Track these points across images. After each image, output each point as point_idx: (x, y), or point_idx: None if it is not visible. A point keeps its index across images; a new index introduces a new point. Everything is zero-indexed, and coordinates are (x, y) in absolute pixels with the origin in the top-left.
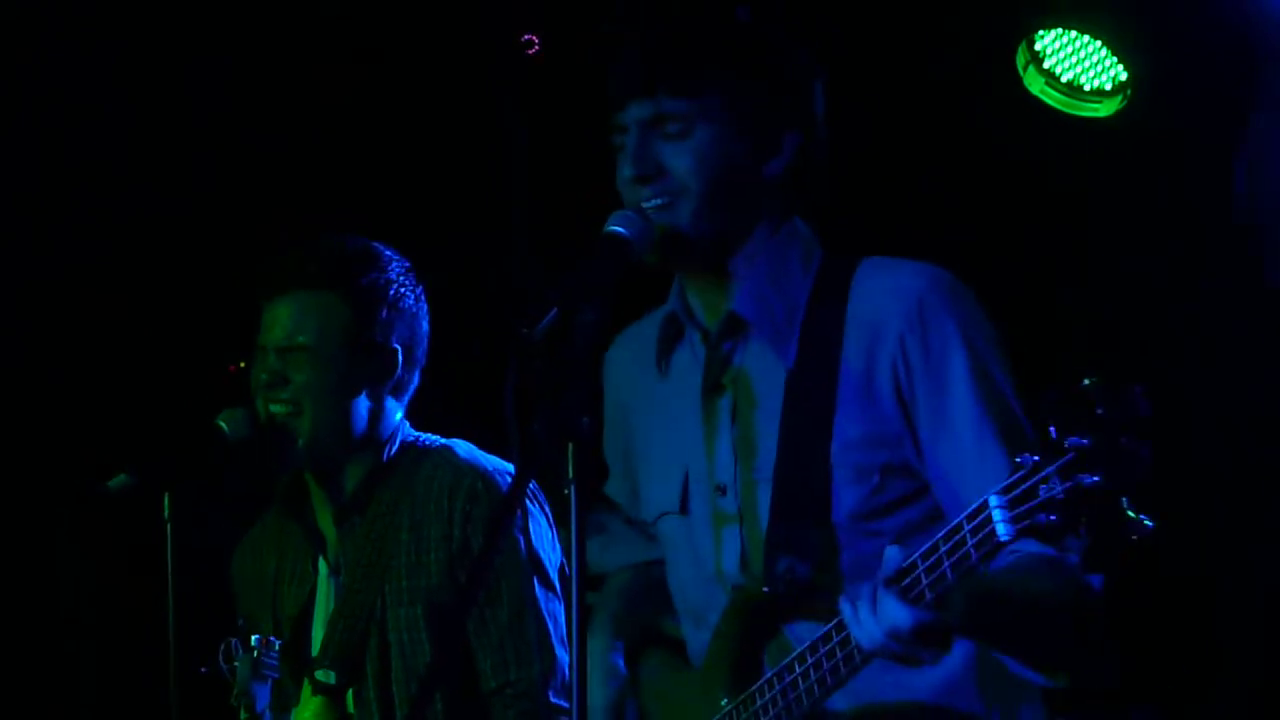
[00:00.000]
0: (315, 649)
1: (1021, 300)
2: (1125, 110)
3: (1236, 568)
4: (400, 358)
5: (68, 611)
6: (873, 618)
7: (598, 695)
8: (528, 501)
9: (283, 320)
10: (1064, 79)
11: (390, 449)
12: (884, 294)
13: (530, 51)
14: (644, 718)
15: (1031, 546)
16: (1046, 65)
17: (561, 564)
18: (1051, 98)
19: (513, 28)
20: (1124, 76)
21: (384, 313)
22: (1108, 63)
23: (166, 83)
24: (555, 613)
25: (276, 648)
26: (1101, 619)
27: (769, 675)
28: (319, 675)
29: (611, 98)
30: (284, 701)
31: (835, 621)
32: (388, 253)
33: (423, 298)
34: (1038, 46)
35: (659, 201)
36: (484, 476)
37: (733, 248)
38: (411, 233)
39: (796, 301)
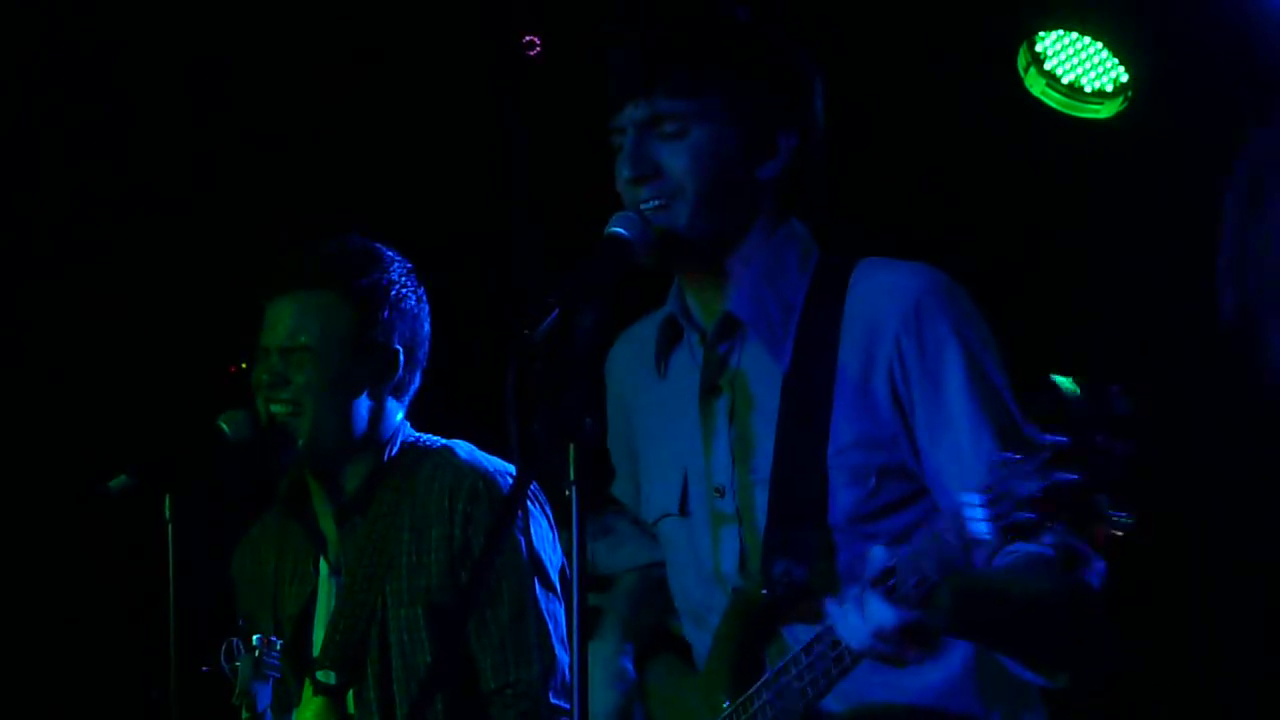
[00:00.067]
0: (316, 649)
1: (1021, 300)
2: (1126, 112)
3: (1236, 568)
4: (401, 358)
5: (68, 611)
6: (859, 618)
7: (606, 698)
8: (529, 502)
9: (284, 320)
10: (1065, 80)
11: (391, 449)
12: (880, 295)
13: (531, 53)
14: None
15: (1029, 547)
16: (1047, 67)
17: (562, 565)
18: (1052, 99)
19: (513, 28)
20: (1125, 78)
21: (385, 313)
22: (1109, 64)
23: (166, 83)
24: (556, 613)
25: (278, 647)
26: (1100, 619)
27: (766, 677)
28: (320, 675)
29: (609, 99)
30: (285, 701)
31: (826, 623)
32: (389, 253)
33: (424, 299)
34: (1039, 48)
35: (656, 203)
36: (485, 477)
37: (729, 248)
38: (411, 233)
39: (792, 302)
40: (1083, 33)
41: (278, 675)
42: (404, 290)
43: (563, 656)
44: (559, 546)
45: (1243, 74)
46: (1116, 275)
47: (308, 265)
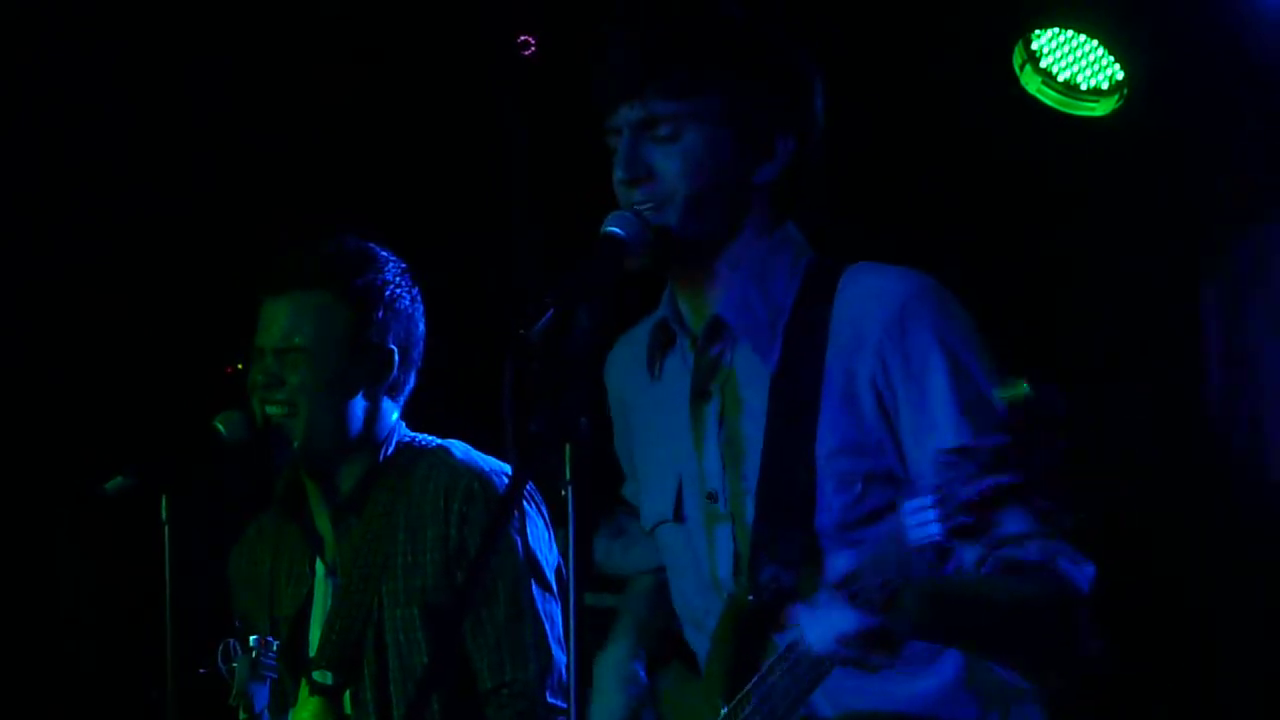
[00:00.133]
0: (313, 650)
1: (1015, 298)
2: (1122, 109)
3: (1237, 567)
4: (396, 358)
5: (67, 611)
6: (822, 623)
7: (616, 702)
8: (525, 502)
9: (279, 321)
10: (1060, 78)
11: (386, 449)
12: (865, 300)
13: (526, 52)
14: None
15: (1015, 551)
16: (1043, 64)
17: (558, 565)
18: (1048, 97)
19: (512, 28)
20: (1120, 75)
21: (380, 313)
22: (1104, 62)
23: (166, 83)
24: (552, 613)
25: (274, 648)
26: (1085, 623)
27: (753, 682)
28: (316, 676)
29: (604, 99)
30: (282, 702)
31: (797, 627)
32: (384, 253)
33: (419, 298)
34: (1034, 46)
35: (648, 205)
36: (480, 477)
37: (719, 251)
38: (411, 233)
39: (781, 306)
40: (1078, 30)
41: (274, 676)
42: (398, 290)
43: (559, 656)
44: (555, 546)
45: (1238, 72)
46: (1113, 273)
47: (303, 266)
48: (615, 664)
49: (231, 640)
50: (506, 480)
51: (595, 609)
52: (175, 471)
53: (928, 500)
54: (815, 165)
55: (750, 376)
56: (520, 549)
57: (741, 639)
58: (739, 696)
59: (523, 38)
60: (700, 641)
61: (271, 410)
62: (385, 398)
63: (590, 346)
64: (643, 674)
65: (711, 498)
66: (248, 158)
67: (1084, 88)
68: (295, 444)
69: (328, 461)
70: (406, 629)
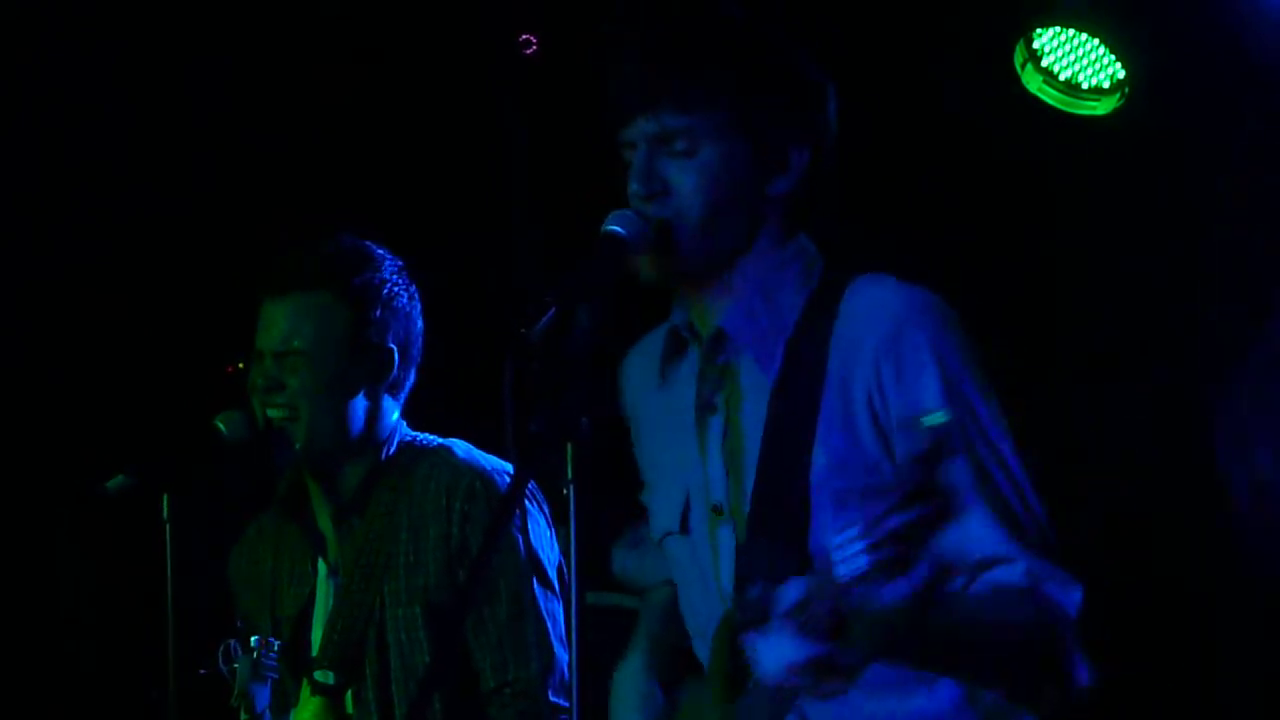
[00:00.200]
0: (315, 649)
1: (1017, 299)
2: (1123, 108)
3: (1238, 570)
4: (396, 357)
5: (67, 611)
6: (773, 652)
7: (630, 715)
8: (526, 501)
9: (278, 324)
10: (1062, 77)
11: (388, 449)
12: (865, 314)
13: (528, 51)
14: None
15: (1001, 575)
16: (1044, 63)
17: (560, 563)
18: (1049, 96)
19: (513, 28)
20: (1122, 74)
21: (378, 313)
22: (1105, 61)
23: (166, 83)
24: (554, 612)
25: (276, 648)
26: (1069, 647)
27: (740, 700)
28: (318, 676)
29: (616, 110)
30: (283, 702)
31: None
32: (379, 251)
33: (416, 295)
34: (1035, 45)
35: (659, 233)
36: (482, 476)
37: (732, 264)
38: (412, 233)
39: (787, 319)
40: (1080, 29)
41: (276, 676)
42: (396, 288)
43: (561, 655)
44: (556, 545)
45: (1239, 71)
46: (1113, 272)
47: (301, 267)
48: (630, 677)
49: (232, 641)
50: (508, 479)
51: (597, 607)
52: (176, 471)
53: (853, 532)
54: (829, 175)
55: (753, 389)
56: (522, 547)
57: (734, 656)
58: (732, 711)
59: (523, 37)
60: (705, 653)
61: (273, 413)
62: (386, 396)
63: (591, 346)
64: (658, 689)
65: (716, 510)
66: (248, 158)
67: (1085, 87)
68: (297, 447)
69: (330, 462)
70: (408, 628)
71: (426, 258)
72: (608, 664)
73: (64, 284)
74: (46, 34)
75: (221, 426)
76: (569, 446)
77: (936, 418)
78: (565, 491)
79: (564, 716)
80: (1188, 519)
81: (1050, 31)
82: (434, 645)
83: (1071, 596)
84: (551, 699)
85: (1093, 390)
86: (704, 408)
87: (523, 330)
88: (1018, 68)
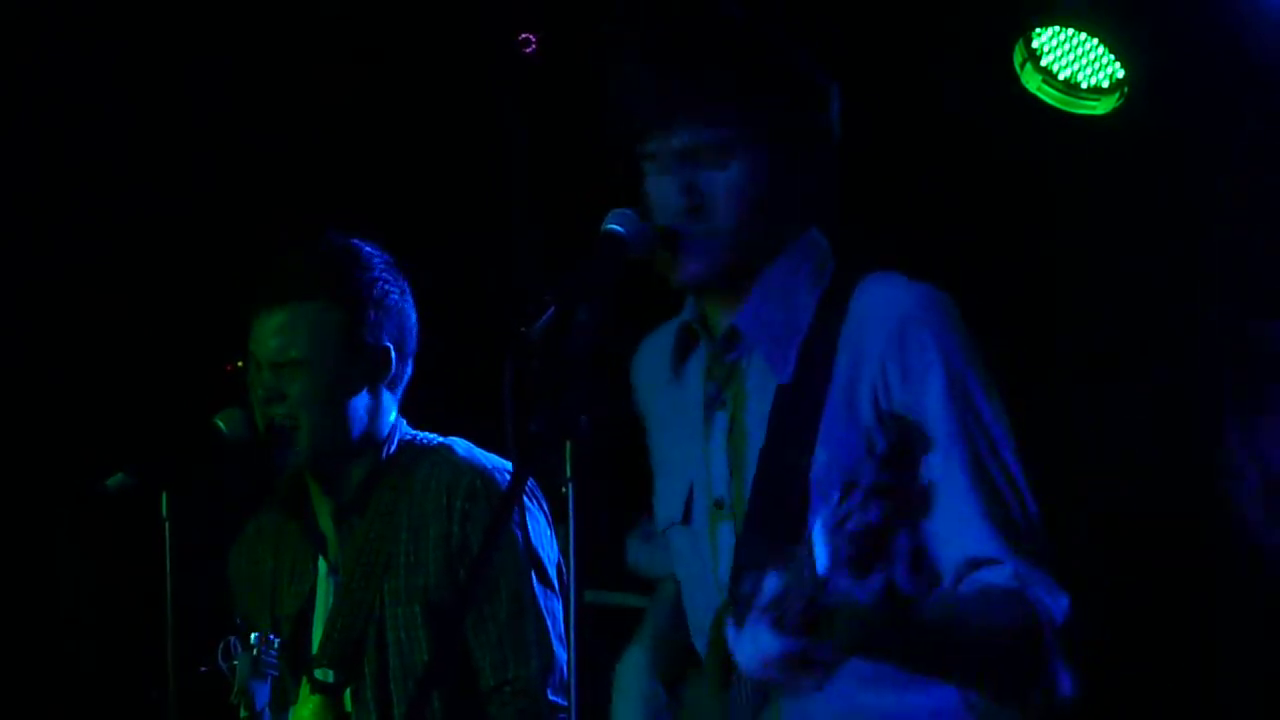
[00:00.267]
0: (314, 648)
1: (1017, 298)
2: (1122, 108)
3: (1235, 568)
4: (393, 354)
5: (67, 611)
6: (750, 646)
7: (632, 714)
8: (526, 499)
9: (273, 334)
10: (1061, 76)
11: (389, 447)
12: (872, 312)
13: (527, 50)
14: None
15: (990, 577)
16: (1044, 63)
17: (559, 562)
18: (1048, 95)
19: (513, 28)
20: (1121, 74)
21: (372, 313)
22: (1105, 60)
23: (166, 83)
24: (554, 610)
25: (276, 645)
26: (1058, 655)
27: (731, 690)
28: (317, 674)
29: (632, 124)
30: (282, 700)
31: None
32: (367, 249)
33: (407, 288)
34: (1035, 44)
35: (696, 243)
36: (483, 474)
37: (754, 267)
38: (412, 232)
39: (800, 317)
40: (1079, 29)
41: (276, 673)
42: (387, 286)
43: (561, 653)
44: (556, 543)
45: (1239, 71)
46: (1113, 272)
47: (290, 276)
48: (632, 671)
49: (232, 638)
50: (508, 477)
51: (596, 606)
52: (175, 469)
53: (821, 529)
54: (835, 172)
55: (760, 387)
56: (522, 545)
57: (726, 649)
58: (723, 704)
59: (523, 35)
60: (703, 646)
61: (274, 421)
62: (385, 391)
63: (590, 345)
64: (660, 685)
65: (718, 504)
66: (248, 158)
67: (1084, 86)
68: (302, 455)
69: (334, 464)
70: (408, 627)
71: (427, 257)
72: (607, 663)
73: (64, 284)
74: (46, 34)
75: (221, 425)
76: (568, 445)
77: (940, 388)
78: (564, 490)
79: (563, 715)
80: (1187, 519)
81: (1049, 31)
82: (433, 644)
83: (1059, 603)
84: (551, 698)
85: (1092, 390)
86: (711, 403)
87: (522, 329)
88: (1017, 67)
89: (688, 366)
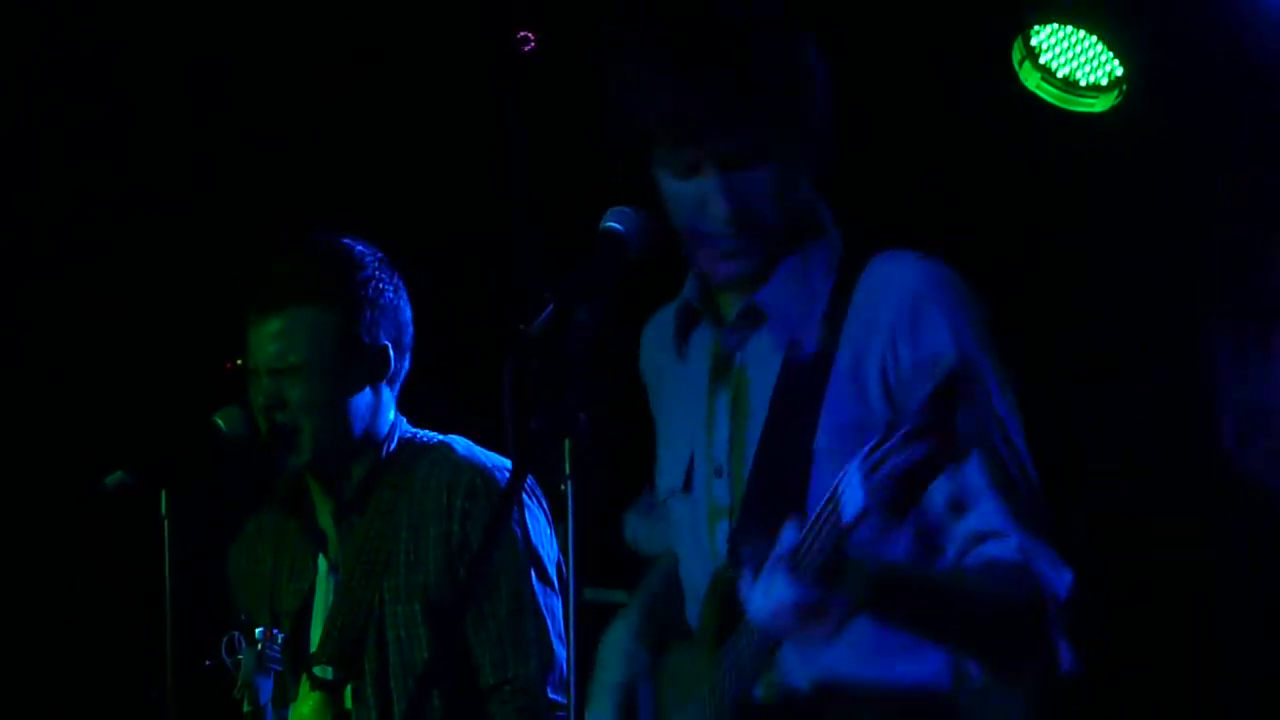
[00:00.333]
0: (314, 645)
1: (1016, 297)
2: (1121, 105)
3: (1236, 567)
4: (391, 352)
5: (67, 611)
6: (763, 595)
7: (614, 675)
8: (525, 497)
9: (270, 341)
10: (1060, 74)
11: (389, 445)
12: (882, 286)
13: (526, 48)
14: (656, 700)
15: (996, 550)
16: (1042, 60)
17: (559, 560)
18: (1047, 93)
19: (512, 27)
20: (1120, 72)
21: (368, 313)
22: (1103, 58)
23: (166, 83)
24: (553, 608)
25: (280, 640)
26: (1059, 630)
27: (724, 650)
28: (317, 671)
29: (658, 131)
30: (282, 696)
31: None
32: (359, 248)
33: (401, 285)
34: (1033, 42)
35: (739, 244)
36: (482, 473)
37: (779, 255)
38: (412, 232)
39: (819, 294)
40: (1078, 26)
41: (280, 668)
42: (381, 284)
43: (561, 651)
44: (556, 541)
45: (1238, 69)
46: (1112, 271)
47: (284, 282)
48: (617, 637)
49: (236, 633)
50: (508, 476)
51: (595, 604)
52: (175, 468)
53: (855, 471)
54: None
55: (768, 359)
56: (521, 543)
57: (725, 610)
58: (716, 665)
59: (522, 34)
60: (697, 613)
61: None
62: (384, 388)
63: (590, 343)
64: (643, 649)
65: (717, 473)
66: (248, 158)
67: (1083, 84)
68: (304, 458)
69: (336, 464)
70: (408, 625)
71: (427, 257)
72: None
73: (64, 284)
74: (46, 34)
75: (220, 423)
76: (567, 443)
77: (950, 359)
78: (563, 488)
79: (562, 714)
80: (1187, 518)
81: (1048, 28)
82: (433, 641)
83: (1063, 577)
84: (550, 696)
85: (1092, 390)
86: (718, 373)
87: (522, 328)
88: (1015, 65)
89: (690, 342)
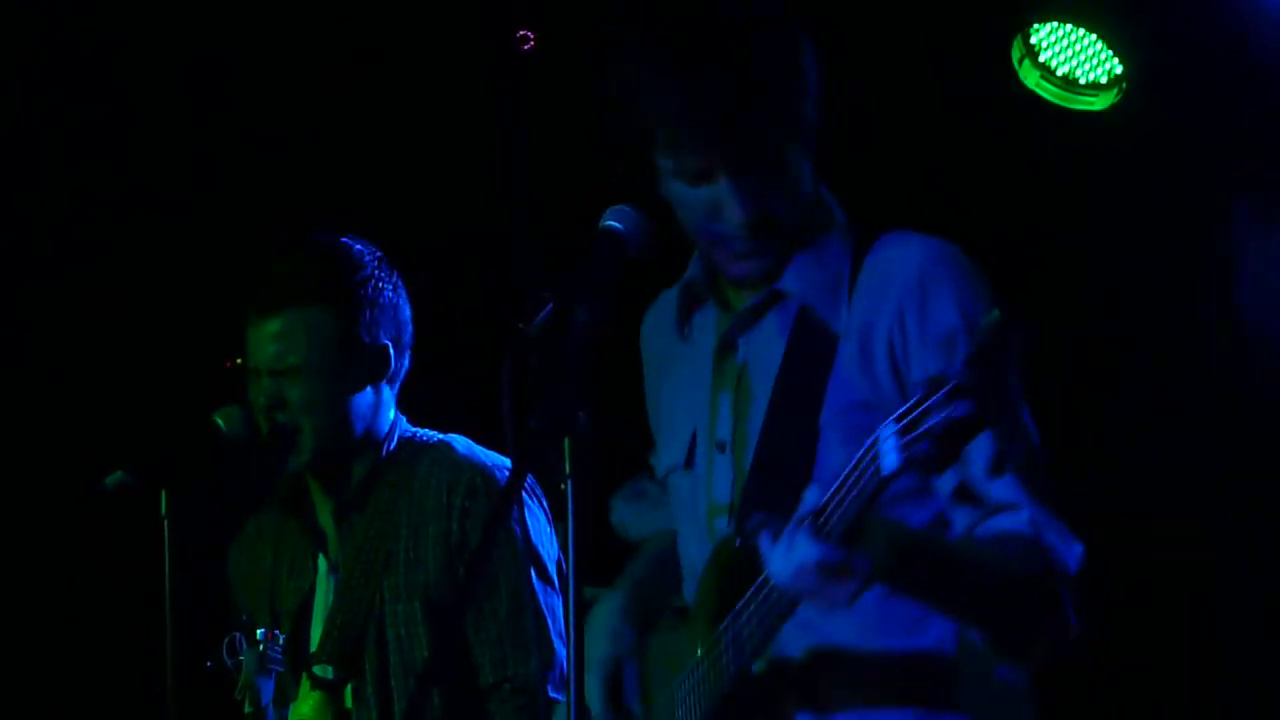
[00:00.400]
0: (314, 645)
1: (1015, 296)
2: (1121, 104)
3: (1236, 567)
4: (391, 351)
5: (68, 611)
6: (785, 555)
7: (601, 650)
8: (525, 495)
9: (270, 342)
10: (1059, 72)
11: (389, 444)
12: (890, 264)
13: (525, 47)
14: (643, 677)
15: (1007, 522)
16: (1042, 59)
17: (559, 558)
18: (1047, 91)
19: (512, 27)
20: (1119, 70)
21: (368, 313)
22: (1103, 56)
23: (166, 83)
24: (553, 606)
25: (281, 641)
26: (1065, 603)
27: (726, 622)
28: (317, 670)
29: (667, 137)
30: (283, 696)
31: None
32: (358, 247)
33: (400, 284)
34: (1033, 40)
35: (755, 245)
36: (482, 472)
37: (791, 249)
38: (412, 232)
39: (840, 273)
40: (1077, 25)
41: (281, 669)
42: (381, 284)
43: (561, 650)
44: (555, 539)
45: (1237, 66)
46: (1111, 267)
47: (284, 283)
48: (604, 614)
49: (237, 634)
50: (508, 475)
51: (595, 602)
52: (175, 468)
53: (891, 429)
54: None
55: (775, 336)
56: (521, 542)
57: (725, 583)
58: (714, 638)
59: (522, 32)
60: (693, 590)
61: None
62: (384, 386)
63: (589, 341)
64: (630, 627)
65: (720, 447)
66: (248, 158)
67: (1083, 82)
68: (305, 457)
69: (336, 463)
70: (408, 624)
71: (427, 257)
72: None
73: (64, 284)
74: (46, 34)
75: (220, 422)
76: (567, 442)
77: (960, 333)
78: (563, 487)
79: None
80: (1187, 518)
81: (1048, 27)
82: (433, 640)
83: (1073, 550)
84: (551, 694)
85: (1092, 389)
86: (725, 348)
87: (522, 327)
88: (1015, 63)
89: (693, 322)
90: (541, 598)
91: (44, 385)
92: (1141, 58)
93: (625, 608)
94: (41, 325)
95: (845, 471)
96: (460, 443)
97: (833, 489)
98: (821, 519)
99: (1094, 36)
